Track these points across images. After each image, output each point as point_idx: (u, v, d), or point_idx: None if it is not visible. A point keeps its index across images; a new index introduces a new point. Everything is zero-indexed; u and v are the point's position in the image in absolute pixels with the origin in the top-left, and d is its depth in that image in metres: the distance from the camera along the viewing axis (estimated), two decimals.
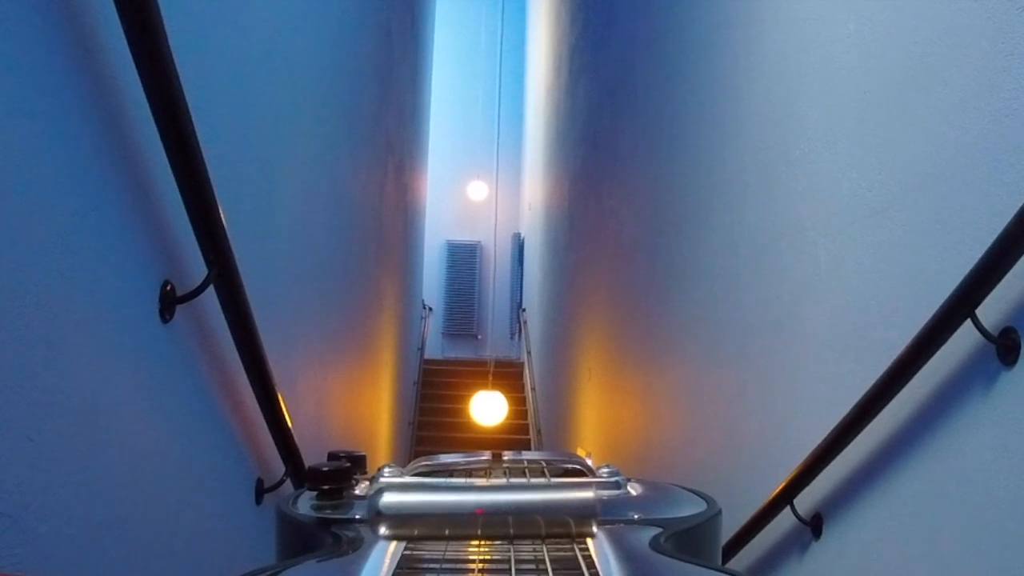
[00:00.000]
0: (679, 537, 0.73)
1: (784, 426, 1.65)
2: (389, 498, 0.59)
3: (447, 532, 0.61)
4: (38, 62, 0.87)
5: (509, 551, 0.59)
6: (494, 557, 0.60)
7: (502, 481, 0.64)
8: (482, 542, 0.64)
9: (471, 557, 0.61)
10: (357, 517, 0.72)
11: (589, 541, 0.65)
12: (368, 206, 3.68)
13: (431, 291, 9.39)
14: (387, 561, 0.61)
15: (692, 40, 2.43)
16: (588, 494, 0.62)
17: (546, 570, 0.56)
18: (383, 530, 0.60)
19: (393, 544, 0.65)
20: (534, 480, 0.65)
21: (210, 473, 1.44)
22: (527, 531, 0.61)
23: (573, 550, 0.61)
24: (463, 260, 10.00)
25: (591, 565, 0.58)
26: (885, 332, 1.28)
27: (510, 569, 0.55)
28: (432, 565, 0.57)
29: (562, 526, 0.60)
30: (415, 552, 0.61)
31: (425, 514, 0.61)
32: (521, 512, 0.61)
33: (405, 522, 0.60)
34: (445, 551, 0.62)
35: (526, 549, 0.60)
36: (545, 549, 0.61)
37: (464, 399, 5.70)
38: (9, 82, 0.82)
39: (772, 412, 1.71)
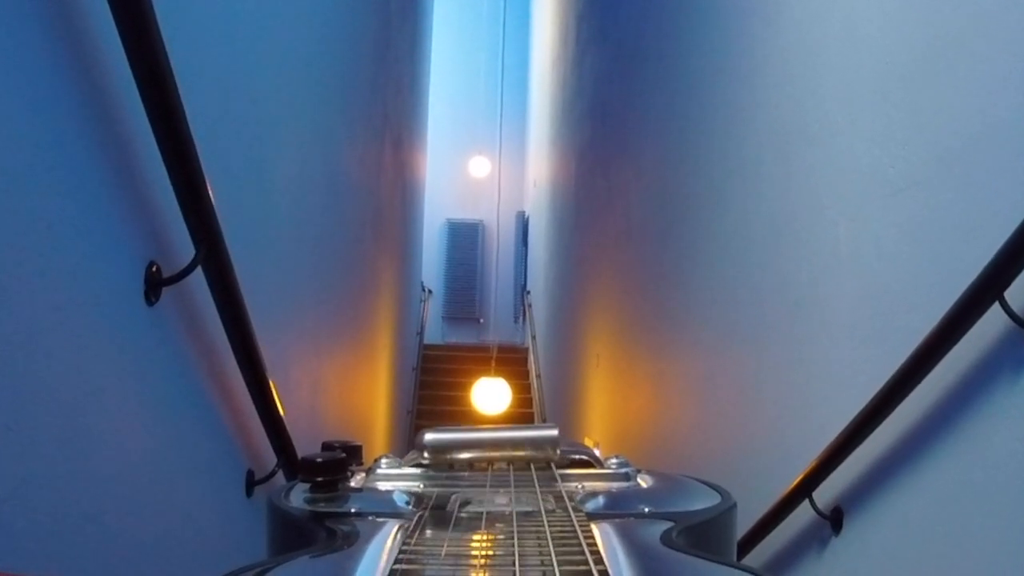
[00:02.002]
0: (692, 531, 0.72)
1: (802, 415, 1.63)
2: (430, 436, 0.96)
3: (467, 456, 0.98)
4: (13, 31, 0.83)
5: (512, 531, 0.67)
6: (496, 555, 0.62)
7: (502, 426, 1.03)
8: (484, 539, 0.67)
9: (473, 553, 0.62)
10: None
11: (596, 535, 0.64)
12: (364, 182, 3.66)
13: (431, 273, 9.36)
14: (384, 557, 0.60)
15: (705, 10, 2.39)
16: (554, 431, 0.98)
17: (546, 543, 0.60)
18: (427, 456, 0.96)
19: (391, 539, 0.65)
20: (521, 427, 1.04)
21: (198, 464, 1.43)
22: (517, 455, 0.98)
23: (556, 482, 0.87)
24: (464, 240, 9.96)
25: (599, 561, 0.56)
26: (908, 316, 1.25)
27: (514, 563, 0.57)
28: (432, 563, 0.57)
29: (540, 450, 0.97)
30: (414, 547, 0.62)
31: (452, 444, 0.97)
32: (512, 443, 0.98)
33: (439, 450, 0.96)
34: (444, 550, 0.61)
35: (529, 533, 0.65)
36: (534, 472, 0.92)
37: (465, 386, 5.69)
38: None
39: (789, 400, 1.69)
